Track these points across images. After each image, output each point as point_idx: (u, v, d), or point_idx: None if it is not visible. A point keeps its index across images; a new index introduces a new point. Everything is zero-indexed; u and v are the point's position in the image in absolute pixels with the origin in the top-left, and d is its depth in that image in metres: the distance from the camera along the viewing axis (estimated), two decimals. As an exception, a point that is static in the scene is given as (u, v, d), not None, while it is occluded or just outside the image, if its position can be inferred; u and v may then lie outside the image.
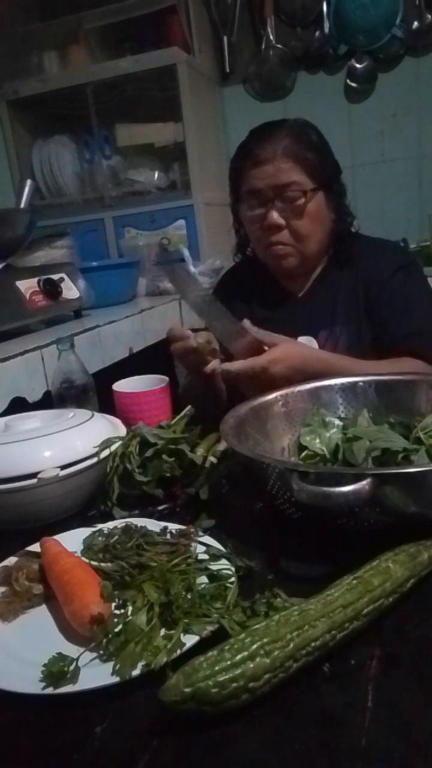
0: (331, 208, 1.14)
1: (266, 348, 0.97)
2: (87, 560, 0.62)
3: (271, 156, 1.07)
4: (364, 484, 0.55)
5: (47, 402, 1.08)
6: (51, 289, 1.44)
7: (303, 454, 0.78)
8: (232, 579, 0.57)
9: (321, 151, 1.12)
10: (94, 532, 0.68)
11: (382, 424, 0.78)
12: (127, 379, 1.05)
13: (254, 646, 0.44)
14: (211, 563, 0.60)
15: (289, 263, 1.14)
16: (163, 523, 0.68)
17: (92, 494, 0.79)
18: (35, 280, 1.42)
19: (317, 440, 0.78)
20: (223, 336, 0.98)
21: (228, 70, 2.51)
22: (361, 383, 0.86)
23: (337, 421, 0.82)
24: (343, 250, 1.18)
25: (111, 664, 0.48)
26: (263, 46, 2.43)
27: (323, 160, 1.12)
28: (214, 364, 0.97)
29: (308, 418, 0.83)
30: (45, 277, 1.45)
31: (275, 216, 1.09)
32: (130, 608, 0.54)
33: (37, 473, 0.72)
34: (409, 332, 1.09)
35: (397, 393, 0.84)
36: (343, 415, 0.85)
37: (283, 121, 1.14)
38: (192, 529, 0.66)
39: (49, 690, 0.46)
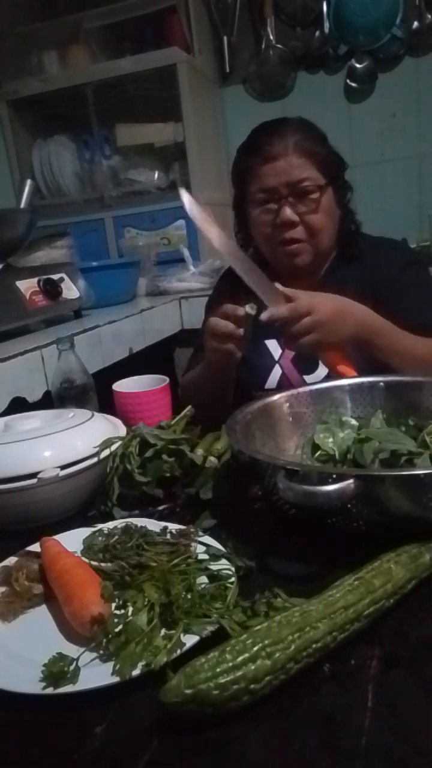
0: (338, 204, 1.14)
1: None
2: (87, 560, 0.62)
3: (283, 152, 1.06)
4: (346, 484, 0.55)
5: (47, 402, 1.08)
6: (51, 289, 1.45)
7: (317, 453, 0.77)
8: (232, 579, 0.57)
9: (328, 146, 1.13)
10: (94, 532, 0.68)
11: (397, 425, 0.78)
12: (127, 379, 1.05)
13: (255, 648, 0.44)
14: (211, 563, 0.59)
15: (302, 260, 1.13)
16: (163, 523, 0.68)
17: (92, 494, 0.79)
18: (35, 280, 1.43)
19: (330, 440, 0.77)
20: (258, 289, 0.93)
21: (228, 70, 2.51)
22: (381, 383, 0.85)
23: (353, 422, 0.81)
24: (348, 247, 1.18)
25: (111, 664, 0.48)
26: (263, 46, 2.43)
27: (331, 155, 1.12)
28: (271, 311, 0.90)
29: (325, 416, 0.82)
30: (45, 277, 1.45)
31: (289, 212, 1.07)
32: (130, 608, 0.54)
33: (37, 473, 0.72)
34: (428, 323, 1.07)
35: (414, 395, 0.83)
36: (362, 416, 0.84)
37: (286, 119, 1.14)
38: (192, 529, 0.66)
39: (49, 690, 0.46)
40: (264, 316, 0.90)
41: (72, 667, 0.47)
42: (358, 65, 2.37)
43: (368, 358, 0.98)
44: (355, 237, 1.19)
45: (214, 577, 0.57)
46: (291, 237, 1.10)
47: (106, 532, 0.67)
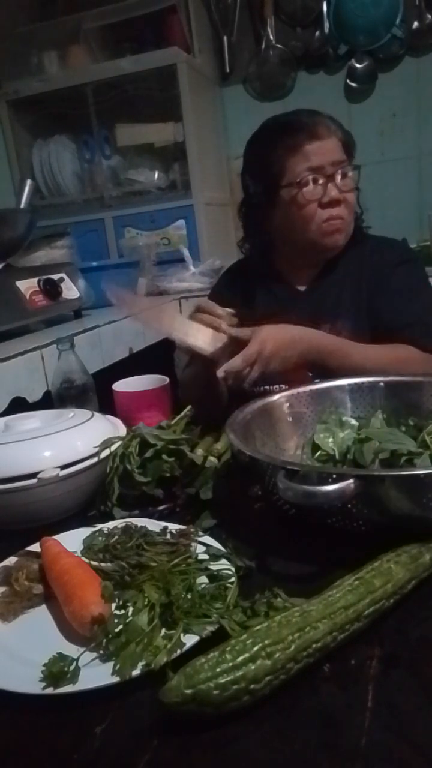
0: None
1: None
2: (87, 560, 0.62)
3: (327, 132, 1.10)
4: (346, 484, 0.55)
5: (47, 402, 1.08)
6: (51, 289, 1.45)
7: (317, 453, 0.77)
8: (232, 579, 0.57)
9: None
10: (94, 532, 0.68)
11: (397, 425, 0.78)
12: (127, 379, 1.05)
13: (255, 648, 0.44)
14: (211, 563, 0.59)
15: (342, 240, 1.14)
16: (163, 523, 0.68)
17: (92, 494, 0.79)
18: (35, 280, 1.43)
19: (330, 440, 0.77)
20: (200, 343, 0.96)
21: (228, 70, 2.51)
22: (381, 383, 0.86)
23: (353, 422, 0.81)
24: (350, 240, 1.19)
25: (111, 664, 0.48)
26: (263, 46, 2.43)
27: (352, 142, 1.17)
28: (222, 370, 0.94)
29: (325, 416, 0.82)
30: (45, 277, 1.45)
31: (336, 191, 1.10)
32: (130, 608, 0.54)
33: (37, 473, 0.72)
34: (407, 322, 1.09)
35: (414, 395, 0.83)
36: (362, 416, 0.84)
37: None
38: (192, 529, 0.66)
39: (49, 690, 0.46)
40: (220, 374, 0.93)
41: (72, 667, 0.47)
42: (358, 65, 2.37)
43: (325, 376, 0.99)
44: (358, 232, 1.20)
45: (214, 577, 0.57)
46: (336, 215, 1.11)
47: (106, 532, 0.67)
